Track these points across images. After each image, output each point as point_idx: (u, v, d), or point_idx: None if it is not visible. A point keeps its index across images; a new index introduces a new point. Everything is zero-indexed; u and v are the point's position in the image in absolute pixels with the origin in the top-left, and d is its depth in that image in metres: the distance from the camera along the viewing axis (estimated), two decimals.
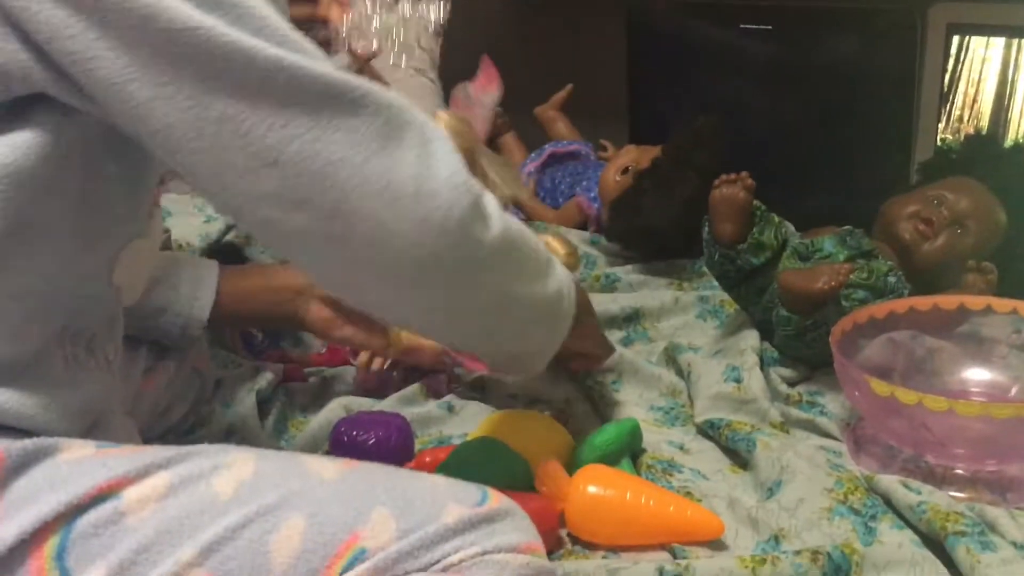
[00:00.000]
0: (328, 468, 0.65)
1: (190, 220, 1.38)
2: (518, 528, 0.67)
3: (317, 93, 0.62)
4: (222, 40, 0.58)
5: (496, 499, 0.68)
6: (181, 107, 0.59)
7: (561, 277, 0.82)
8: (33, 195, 0.61)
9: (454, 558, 0.62)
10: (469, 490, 0.67)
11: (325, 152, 0.62)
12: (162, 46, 0.58)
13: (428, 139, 0.66)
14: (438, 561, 0.62)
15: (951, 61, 1.45)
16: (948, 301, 1.06)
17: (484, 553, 0.63)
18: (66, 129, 0.62)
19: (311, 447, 1.00)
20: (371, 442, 0.94)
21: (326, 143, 0.62)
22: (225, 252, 1.23)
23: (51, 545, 0.57)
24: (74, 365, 0.68)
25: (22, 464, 0.59)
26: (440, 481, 0.68)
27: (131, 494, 0.60)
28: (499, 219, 0.71)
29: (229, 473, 0.62)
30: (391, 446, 0.95)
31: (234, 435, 1.00)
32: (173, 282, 0.97)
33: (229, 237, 1.37)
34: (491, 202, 0.71)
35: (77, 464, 0.60)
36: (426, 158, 0.65)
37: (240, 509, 0.60)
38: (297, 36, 0.62)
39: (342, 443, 0.95)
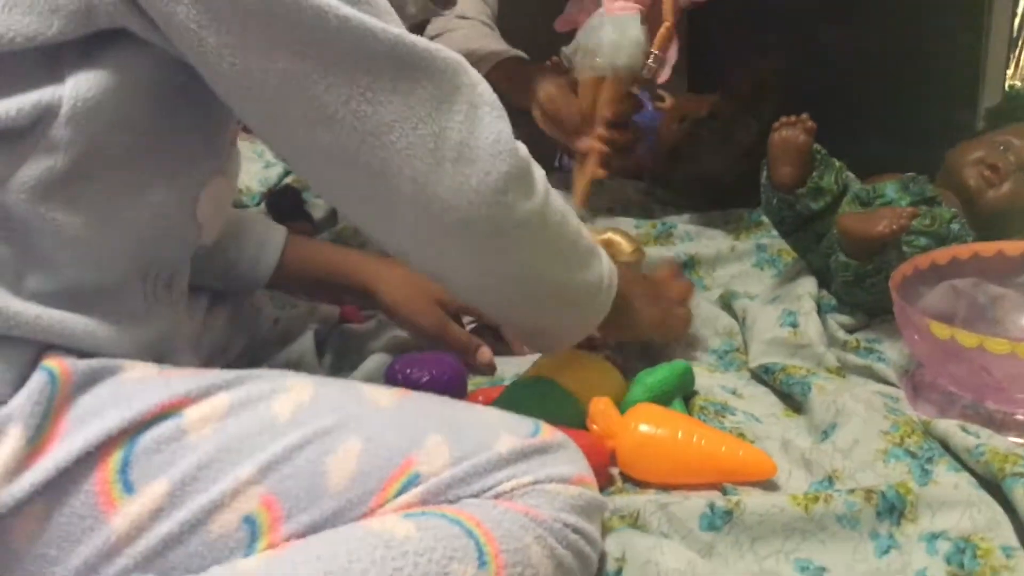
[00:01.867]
0: (384, 396, 0.67)
1: (250, 165, 1.41)
2: (571, 460, 0.68)
3: (382, 55, 0.64)
4: None
5: (549, 432, 0.69)
6: (248, 58, 0.62)
7: (603, 271, 0.83)
8: (115, 128, 0.63)
9: (506, 486, 0.64)
10: (522, 422, 0.69)
11: (380, 113, 0.64)
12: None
13: (476, 104, 0.68)
14: (490, 488, 0.64)
15: (1021, 5, 1.40)
16: (1013, 247, 1.04)
17: (536, 483, 0.65)
18: (146, 64, 0.64)
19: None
20: (424, 379, 0.95)
21: (382, 104, 0.64)
22: (284, 195, 1.24)
23: (115, 459, 0.59)
24: (152, 300, 0.70)
25: (88, 381, 0.61)
26: (493, 413, 0.70)
27: (192, 413, 0.61)
28: (543, 195, 0.73)
29: (287, 396, 0.64)
30: (444, 384, 0.96)
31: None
32: (240, 242, 0.99)
33: (288, 180, 1.39)
34: (541, 178, 0.73)
35: (141, 383, 0.62)
36: (472, 123, 0.67)
37: (298, 430, 0.62)
38: None
39: (396, 381, 0.96)
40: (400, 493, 0.62)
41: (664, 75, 1.29)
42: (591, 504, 0.67)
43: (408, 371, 0.97)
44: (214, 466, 0.60)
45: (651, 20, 1.25)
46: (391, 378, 0.97)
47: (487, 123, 0.68)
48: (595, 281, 0.82)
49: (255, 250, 0.99)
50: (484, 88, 0.70)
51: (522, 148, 0.72)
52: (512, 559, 0.61)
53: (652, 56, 1.25)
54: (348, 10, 0.62)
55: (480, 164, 0.67)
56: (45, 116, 0.60)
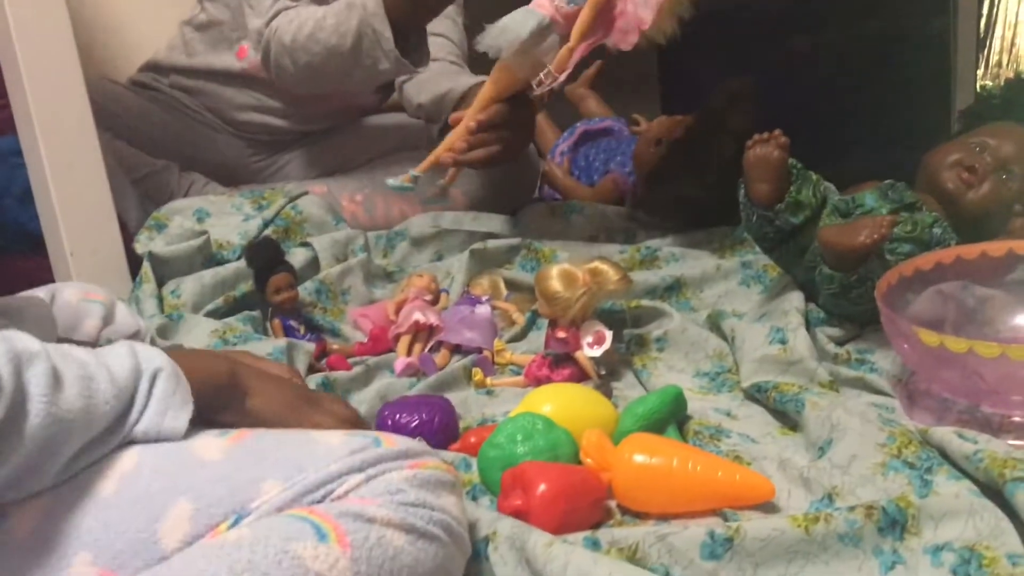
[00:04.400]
0: (214, 448, 0.66)
1: (228, 220, 1.41)
2: (408, 454, 0.67)
3: None
4: None
5: (390, 441, 0.68)
6: None
7: None
8: None
9: (339, 492, 0.64)
10: (364, 438, 0.68)
11: None
12: None
13: None
14: (323, 499, 0.64)
15: (985, 5, 1.41)
16: (996, 248, 1.03)
17: (368, 479, 0.65)
18: None
19: None
20: (415, 424, 0.94)
21: None
22: (263, 246, 1.23)
23: None
24: None
25: None
26: (335, 436, 0.69)
27: (16, 512, 0.61)
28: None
29: (112, 469, 0.64)
30: (435, 427, 0.95)
31: None
32: None
33: (267, 232, 1.38)
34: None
35: None
36: None
37: (123, 503, 0.62)
38: None
39: (386, 427, 0.95)
40: (232, 525, 0.62)
41: (540, 91, 1.29)
42: (430, 480, 0.66)
43: (398, 416, 0.96)
44: (49, 558, 0.60)
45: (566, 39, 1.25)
46: (381, 424, 0.96)
47: None
48: None
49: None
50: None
51: None
52: (352, 527, 0.60)
53: (546, 71, 1.24)
54: None
55: None
56: None
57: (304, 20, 1.41)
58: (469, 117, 1.32)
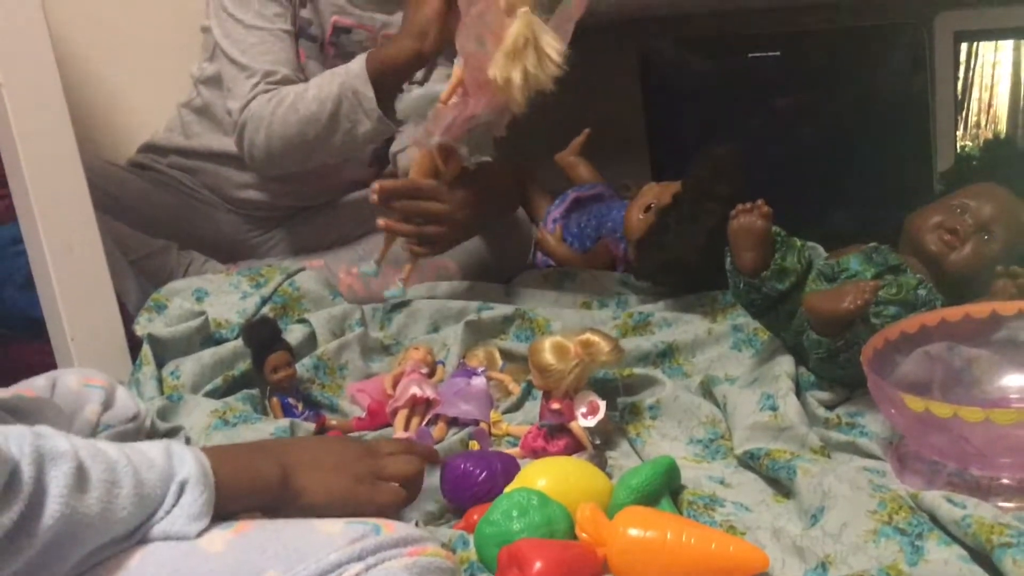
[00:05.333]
0: (218, 540, 0.67)
1: (226, 298, 1.42)
2: (407, 541, 0.69)
3: None
4: None
5: (391, 528, 0.69)
6: None
7: None
8: None
9: None
10: (363, 527, 0.69)
11: None
12: None
13: None
14: None
15: (962, 68, 1.45)
16: (979, 309, 1.05)
17: (368, 568, 0.66)
18: None
19: None
20: (482, 477, 0.98)
21: None
22: (261, 325, 1.25)
23: None
24: None
25: None
26: (336, 525, 0.70)
27: None
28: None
29: (113, 564, 0.65)
30: (500, 480, 0.98)
31: None
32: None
33: (264, 311, 1.40)
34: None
35: None
36: None
37: None
38: None
39: (456, 475, 0.99)
40: None
41: (450, 162, 1.36)
42: (429, 567, 0.68)
43: (465, 466, 0.99)
44: None
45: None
46: (451, 472, 0.99)
47: None
48: None
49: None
50: None
51: None
52: None
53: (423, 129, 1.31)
54: None
55: None
56: None
57: (285, 95, 1.45)
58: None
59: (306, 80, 1.50)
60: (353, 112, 1.40)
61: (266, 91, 1.47)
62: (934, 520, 0.85)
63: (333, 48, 1.60)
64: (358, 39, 1.60)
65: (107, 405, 1.03)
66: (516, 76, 1.21)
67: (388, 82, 1.40)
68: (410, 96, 1.35)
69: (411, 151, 1.50)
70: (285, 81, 1.49)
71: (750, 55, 1.63)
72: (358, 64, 1.40)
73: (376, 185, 1.37)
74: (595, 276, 1.56)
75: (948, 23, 1.43)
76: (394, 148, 1.69)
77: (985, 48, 1.44)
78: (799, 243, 1.16)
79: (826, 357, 1.09)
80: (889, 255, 1.16)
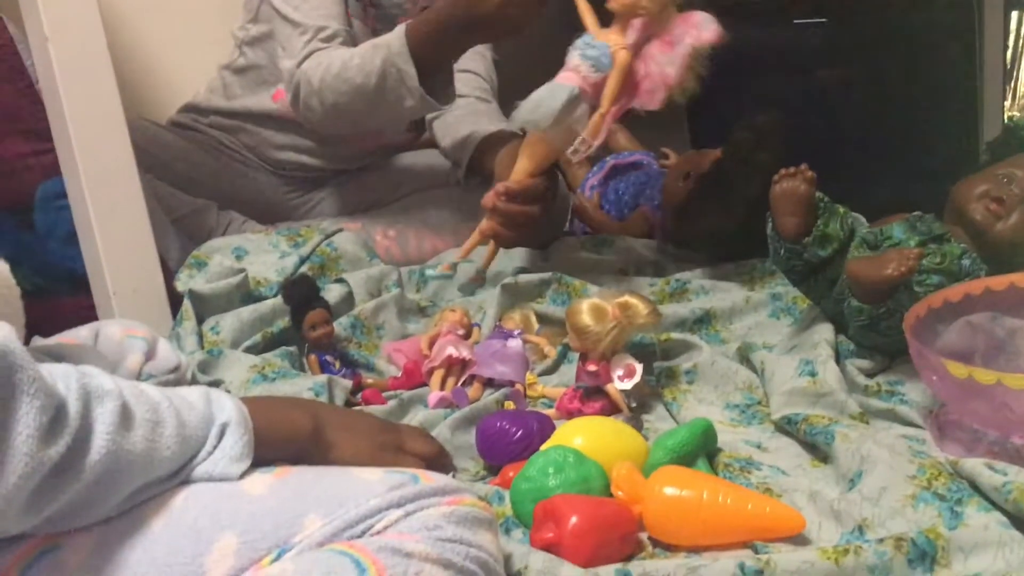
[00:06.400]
0: (259, 484, 0.68)
1: (266, 257, 1.43)
2: (446, 491, 0.69)
3: None
4: None
5: (427, 478, 0.70)
6: None
7: None
8: None
9: (379, 527, 0.65)
10: (402, 475, 0.70)
11: None
12: None
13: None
14: (362, 534, 0.65)
15: (1011, 38, 1.42)
16: None
17: (407, 515, 0.66)
18: None
19: None
20: (518, 434, 0.98)
21: None
22: (299, 284, 1.26)
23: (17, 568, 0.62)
24: None
25: None
26: (375, 473, 0.70)
27: (68, 543, 0.63)
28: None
29: (157, 503, 0.66)
30: (535, 439, 0.98)
31: None
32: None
33: (303, 269, 1.41)
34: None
35: None
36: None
37: (169, 538, 0.64)
38: None
39: (491, 433, 0.99)
40: (275, 560, 0.64)
41: (577, 159, 1.31)
42: (467, 516, 0.68)
43: (501, 424, 1.00)
44: None
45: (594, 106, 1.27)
46: (486, 429, 1.00)
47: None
48: None
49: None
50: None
51: None
52: (391, 562, 0.62)
53: (581, 139, 1.25)
54: None
55: None
56: None
57: (332, 61, 1.44)
58: (500, 186, 1.34)
59: (353, 37, 1.50)
60: (397, 88, 1.38)
61: (318, 48, 1.48)
62: (974, 487, 0.84)
63: (374, 8, 1.60)
64: (398, 0, 1.60)
65: (149, 356, 1.05)
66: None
67: (429, 54, 1.37)
68: (548, 102, 1.25)
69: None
70: (336, 36, 1.49)
71: (795, 21, 1.61)
72: (398, 41, 1.37)
73: (502, 187, 1.33)
74: (632, 243, 1.56)
75: None
76: (430, 115, 1.69)
77: None
78: (842, 210, 1.15)
79: (867, 324, 1.08)
80: (933, 224, 1.15)
